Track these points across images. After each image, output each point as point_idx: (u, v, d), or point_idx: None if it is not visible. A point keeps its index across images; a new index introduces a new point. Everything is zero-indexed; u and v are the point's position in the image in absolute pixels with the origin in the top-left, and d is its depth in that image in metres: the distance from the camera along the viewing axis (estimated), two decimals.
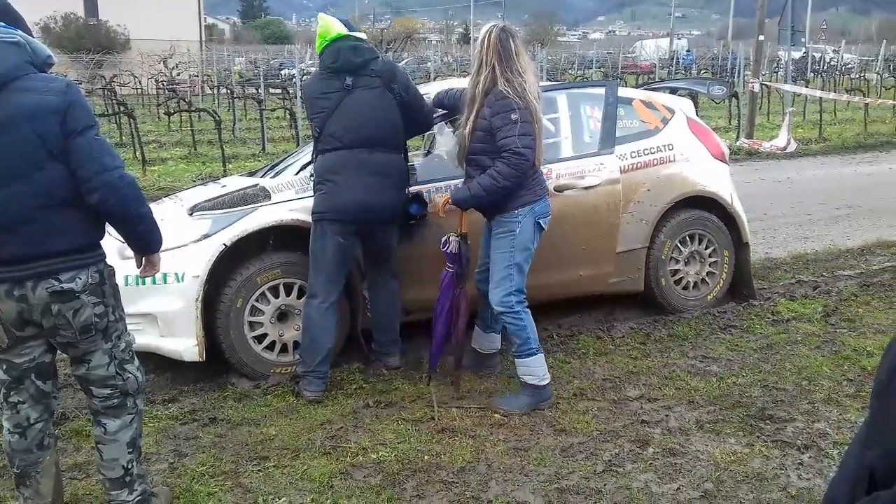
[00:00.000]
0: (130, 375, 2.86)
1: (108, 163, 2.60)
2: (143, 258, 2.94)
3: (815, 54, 33.74)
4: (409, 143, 4.37)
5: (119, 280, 4.18)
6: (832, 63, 32.36)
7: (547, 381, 3.91)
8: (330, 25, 4.05)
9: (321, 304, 4.01)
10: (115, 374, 2.81)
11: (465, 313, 4.03)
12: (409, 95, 4.11)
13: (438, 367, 4.21)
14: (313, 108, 4.06)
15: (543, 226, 3.90)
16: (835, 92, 19.00)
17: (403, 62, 33.88)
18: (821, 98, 15.91)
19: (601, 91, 5.08)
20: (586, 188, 4.71)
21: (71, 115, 2.55)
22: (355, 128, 3.95)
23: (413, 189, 4.28)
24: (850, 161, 12.72)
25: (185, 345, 4.12)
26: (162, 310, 4.12)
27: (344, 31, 4.03)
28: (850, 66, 32.39)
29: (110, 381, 2.81)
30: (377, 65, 4.04)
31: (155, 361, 4.43)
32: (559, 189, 4.64)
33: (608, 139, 4.88)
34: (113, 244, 4.38)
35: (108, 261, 2.83)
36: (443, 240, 3.98)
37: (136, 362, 2.92)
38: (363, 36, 4.15)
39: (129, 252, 4.20)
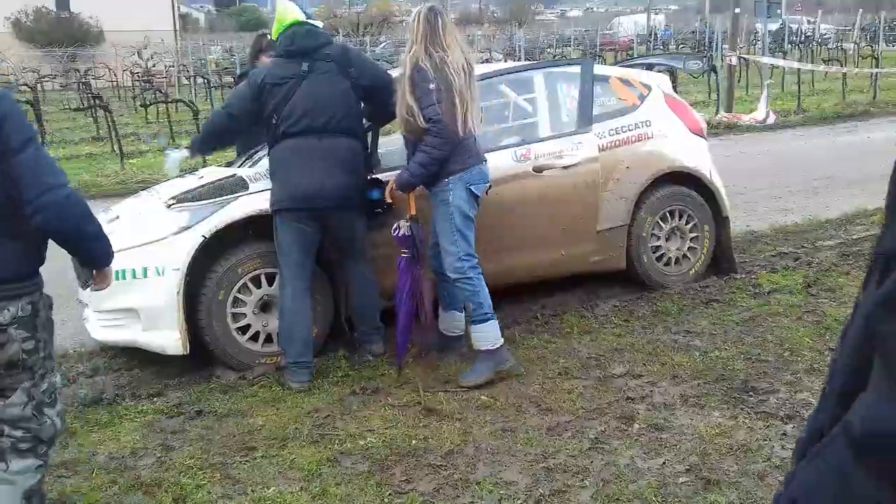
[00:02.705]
0: (48, 420, 2.56)
1: (52, 181, 2.37)
2: (94, 272, 2.72)
3: (791, 26, 33.81)
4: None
5: None
6: (809, 34, 32.46)
7: (500, 345, 4.00)
8: (287, 10, 4.10)
9: (292, 293, 4.03)
10: (32, 415, 2.52)
11: (429, 293, 4.14)
12: (372, 77, 4.15)
13: (407, 358, 4.21)
14: (268, 95, 4.03)
15: (477, 192, 3.97)
16: (812, 63, 19.07)
17: (381, 46, 33.68)
18: (799, 69, 15.97)
19: (577, 69, 5.08)
20: (565, 168, 4.71)
21: (6, 129, 2.30)
22: (309, 114, 3.97)
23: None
24: (829, 132, 12.79)
25: (169, 338, 4.10)
26: (143, 304, 4.10)
27: (301, 17, 4.08)
28: (826, 36, 32.51)
29: (23, 423, 2.52)
30: (331, 49, 4.09)
31: (139, 356, 4.42)
32: (538, 169, 4.65)
33: (585, 118, 4.88)
34: None
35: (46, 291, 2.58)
36: (394, 226, 4.04)
37: (59, 406, 2.63)
38: (319, 24, 4.21)
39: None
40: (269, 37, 5.32)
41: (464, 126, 3.85)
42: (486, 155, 4.42)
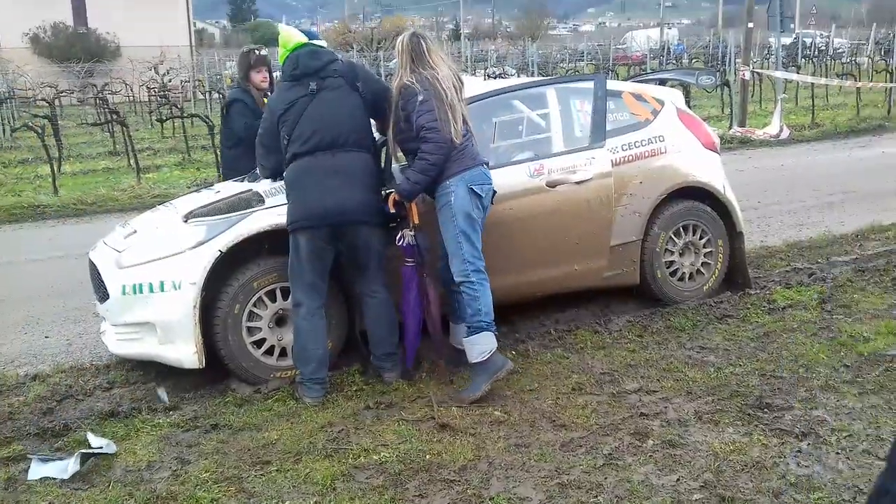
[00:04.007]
0: None
1: None
2: None
3: (805, 40, 33.75)
4: None
5: (116, 289, 4.22)
6: (822, 48, 32.39)
7: (491, 354, 3.98)
8: (289, 35, 4.17)
9: (306, 312, 4.04)
10: None
11: (435, 300, 4.19)
12: (374, 91, 4.19)
13: (420, 362, 4.38)
14: (280, 120, 4.08)
15: (479, 192, 4.03)
16: (826, 77, 19.02)
17: (394, 61, 33.88)
18: (812, 84, 15.95)
19: (590, 85, 5.10)
20: (578, 182, 4.73)
21: None
22: (319, 131, 4.01)
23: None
24: (844, 146, 12.74)
25: (185, 352, 4.13)
26: (160, 318, 4.13)
27: (303, 39, 4.14)
28: (840, 50, 32.43)
29: None
30: (338, 65, 4.13)
31: (155, 369, 4.45)
32: (551, 184, 4.67)
33: (598, 133, 4.90)
34: (110, 254, 4.41)
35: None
36: (398, 236, 4.11)
37: None
38: (324, 43, 4.26)
39: (126, 262, 4.26)
40: (257, 52, 5.50)
41: (457, 133, 3.96)
42: (499, 170, 4.48)
